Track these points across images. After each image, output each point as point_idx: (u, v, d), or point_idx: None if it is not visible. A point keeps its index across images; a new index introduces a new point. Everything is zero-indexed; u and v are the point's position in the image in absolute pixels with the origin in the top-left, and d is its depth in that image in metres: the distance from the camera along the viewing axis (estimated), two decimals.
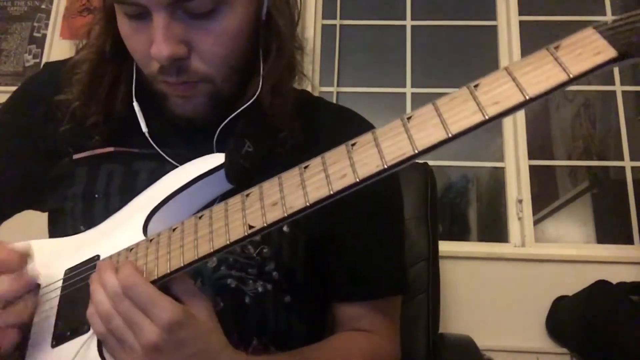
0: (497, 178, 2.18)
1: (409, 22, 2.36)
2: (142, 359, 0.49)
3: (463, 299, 1.86)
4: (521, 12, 2.28)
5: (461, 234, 2.29)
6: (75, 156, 0.71)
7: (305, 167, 0.47)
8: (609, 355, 1.62)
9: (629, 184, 2.08)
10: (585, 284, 1.79)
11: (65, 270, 0.60)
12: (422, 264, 1.14)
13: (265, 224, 0.47)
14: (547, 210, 2.20)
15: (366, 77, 2.32)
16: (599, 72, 0.39)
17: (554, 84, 0.39)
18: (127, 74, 0.70)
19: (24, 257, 0.55)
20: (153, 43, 0.58)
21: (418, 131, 0.43)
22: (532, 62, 0.41)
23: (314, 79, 2.18)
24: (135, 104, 0.68)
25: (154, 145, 0.68)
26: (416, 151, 0.42)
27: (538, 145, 2.19)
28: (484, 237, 2.24)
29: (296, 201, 0.46)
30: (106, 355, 0.53)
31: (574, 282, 1.82)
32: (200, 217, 0.52)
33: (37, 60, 2.28)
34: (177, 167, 0.65)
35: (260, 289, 0.66)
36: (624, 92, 2.19)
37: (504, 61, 2.24)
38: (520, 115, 2.14)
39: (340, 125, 0.76)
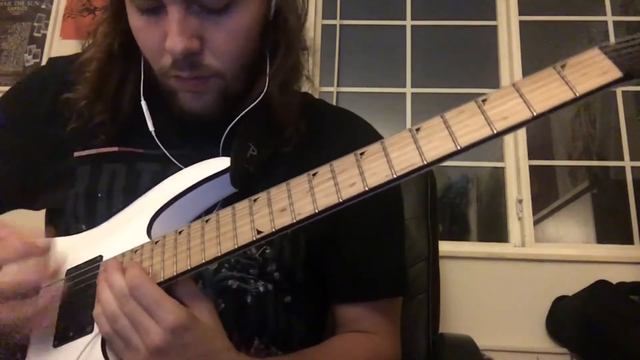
0: (497, 178, 2.18)
1: (409, 22, 2.36)
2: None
3: (463, 299, 1.86)
4: (521, 12, 2.28)
5: (461, 234, 2.29)
6: (77, 153, 0.71)
7: (314, 174, 0.48)
8: (609, 355, 1.62)
9: (629, 184, 2.08)
10: (585, 284, 1.79)
11: (67, 270, 0.60)
12: (422, 264, 1.14)
13: (273, 229, 0.48)
14: (547, 210, 2.20)
15: (366, 77, 2.32)
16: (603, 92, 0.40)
17: (561, 102, 0.40)
18: (134, 73, 0.70)
19: (48, 245, 0.56)
20: (168, 36, 0.58)
21: (427, 143, 0.44)
22: (539, 79, 0.42)
23: (314, 79, 2.18)
24: (143, 102, 0.68)
25: (160, 144, 0.68)
26: (425, 162, 0.43)
27: (538, 145, 2.19)
28: (484, 237, 2.23)
29: (305, 207, 0.47)
30: (110, 355, 0.53)
31: (574, 282, 1.82)
32: (206, 221, 0.53)
33: (37, 60, 2.28)
34: (181, 168, 0.65)
35: (261, 289, 0.67)
36: (624, 92, 2.19)
37: (504, 61, 2.24)
38: None
39: (343, 127, 0.77)
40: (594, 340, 1.68)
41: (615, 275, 1.82)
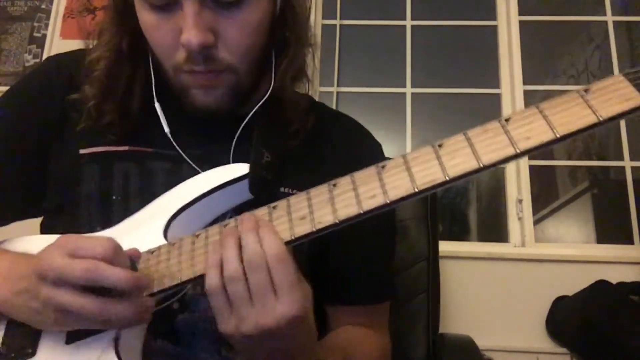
0: (497, 178, 2.18)
1: (409, 22, 2.36)
2: (245, 333, 0.48)
3: (463, 299, 1.86)
4: (521, 12, 2.28)
5: (461, 234, 2.29)
6: (82, 150, 0.70)
7: (334, 185, 0.49)
8: (609, 355, 1.62)
9: (629, 184, 2.08)
10: (585, 284, 1.79)
11: None
12: (422, 264, 1.14)
13: (293, 237, 0.48)
14: (547, 210, 2.20)
15: (366, 77, 2.32)
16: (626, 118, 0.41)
17: (584, 125, 0.41)
18: (142, 73, 0.70)
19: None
20: (183, 30, 0.59)
21: (450, 159, 0.44)
22: (562, 102, 0.43)
23: (314, 79, 2.18)
24: (157, 104, 0.69)
25: (176, 146, 0.69)
26: (447, 178, 0.44)
27: None
28: (484, 237, 2.24)
29: (325, 217, 0.47)
30: (122, 355, 0.52)
31: (574, 282, 1.82)
32: (225, 226, 0.53)
33: (37, 60, 2.28)
34: (193, 167, 0.67)
35: None
36: None
37: (504, 61, 2.23)
38: None
39: (346, 130, 0.79)
40: (594, 340, 1.68)
41: (615, 275, 1.82)
